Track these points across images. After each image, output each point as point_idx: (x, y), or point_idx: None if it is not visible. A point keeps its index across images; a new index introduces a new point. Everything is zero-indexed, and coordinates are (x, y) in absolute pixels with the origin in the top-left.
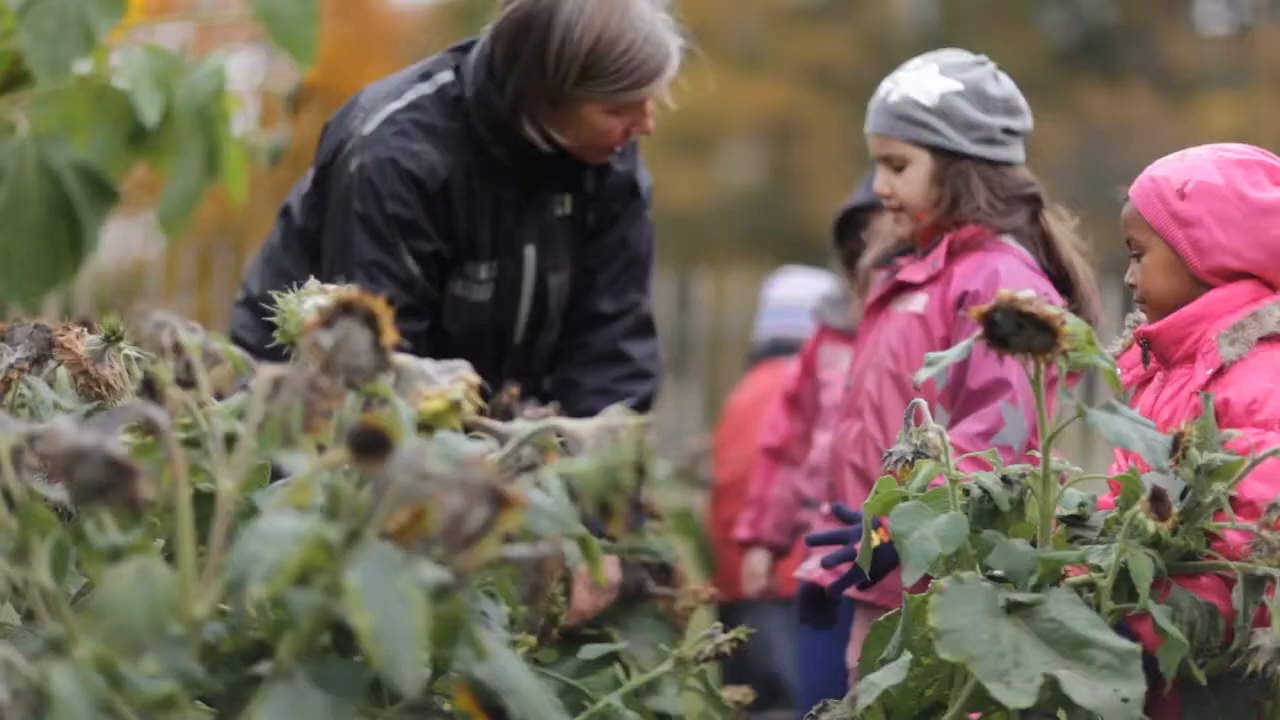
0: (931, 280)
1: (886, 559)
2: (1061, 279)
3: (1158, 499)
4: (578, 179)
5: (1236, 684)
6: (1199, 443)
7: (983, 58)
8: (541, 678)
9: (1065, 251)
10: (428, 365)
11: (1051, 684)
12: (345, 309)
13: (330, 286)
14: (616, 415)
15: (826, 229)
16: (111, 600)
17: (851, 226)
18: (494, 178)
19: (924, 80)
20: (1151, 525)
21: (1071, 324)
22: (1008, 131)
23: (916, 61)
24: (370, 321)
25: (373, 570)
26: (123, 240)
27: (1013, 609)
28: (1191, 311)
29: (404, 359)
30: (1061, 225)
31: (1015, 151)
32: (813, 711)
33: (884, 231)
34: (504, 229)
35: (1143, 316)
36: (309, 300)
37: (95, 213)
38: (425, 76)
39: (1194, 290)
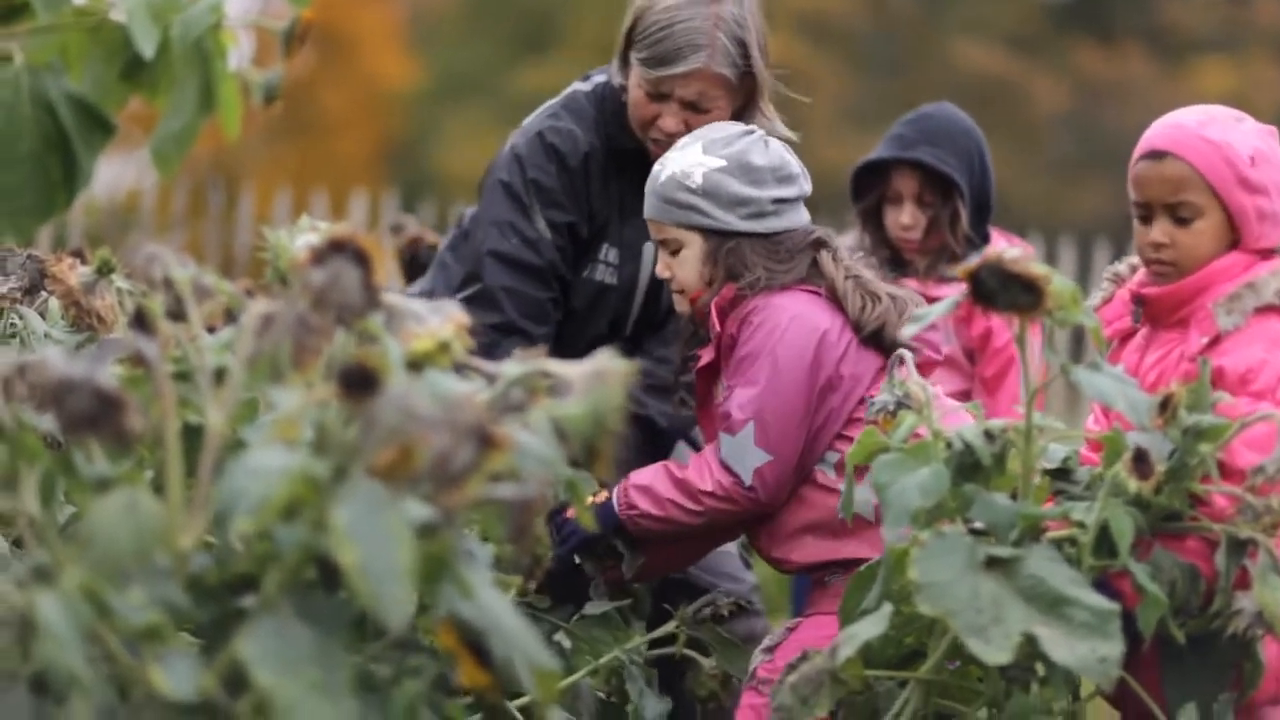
0: (719, 352)
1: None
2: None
3: (1140, 459)
4: None
5: (1215, 645)
6: (1190, 405)
7: (751, 128)
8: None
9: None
10: (418, 305)
11: (1030, 640)
12: (337, 247)
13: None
14: (605, 359)
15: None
16: (99, 530)
17: (869, 181)
18: (627, 171)
19: (687, 159)
20: (1133, 484)
21: (1057, 283)
22: (780, 201)
23: (684, 140)
24: (361, 260)
25: (359, 507)
26: (116, 173)
27: (993, 564)
28: (1196, 280)
29: (394, 298)
30: (838, 261)
31: (792, 219)
32: (792, 661)
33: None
34: (628, 221)
35: (1121, 268)
36: (301, 238)
37: (90, 145)
38: (586, 78)
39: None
